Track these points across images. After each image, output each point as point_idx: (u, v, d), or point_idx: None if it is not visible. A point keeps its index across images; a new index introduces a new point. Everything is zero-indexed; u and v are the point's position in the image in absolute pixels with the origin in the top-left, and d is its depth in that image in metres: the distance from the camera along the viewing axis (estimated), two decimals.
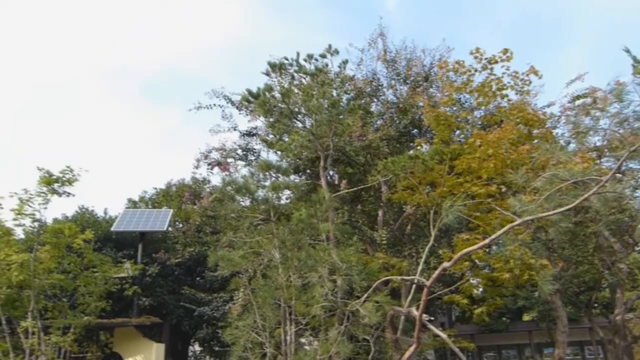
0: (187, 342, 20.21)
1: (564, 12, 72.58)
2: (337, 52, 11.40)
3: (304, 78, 11.75)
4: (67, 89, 70.58)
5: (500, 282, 10.82)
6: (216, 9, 74.11)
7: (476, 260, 11.40)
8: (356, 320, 7.32)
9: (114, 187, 61.10)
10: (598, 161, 12.45)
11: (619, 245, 14.18)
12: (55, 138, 71.57)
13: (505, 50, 11.63)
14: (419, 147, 12.38)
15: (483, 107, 12.64)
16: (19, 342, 10.53)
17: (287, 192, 11.98)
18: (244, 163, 15.11)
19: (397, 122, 13.82)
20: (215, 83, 53.21)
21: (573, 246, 14.08)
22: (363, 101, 14.05)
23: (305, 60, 11.18)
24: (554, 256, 14.27)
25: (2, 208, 11.32)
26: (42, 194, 11.14)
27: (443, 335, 7.06)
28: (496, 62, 11.69)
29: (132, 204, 20.86)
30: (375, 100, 14.81)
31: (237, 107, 14.43)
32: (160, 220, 15.57)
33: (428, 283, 6.66)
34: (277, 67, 11.06)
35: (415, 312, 7.09)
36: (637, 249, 15.56)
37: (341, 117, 10.22)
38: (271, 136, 12.84)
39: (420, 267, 8.60)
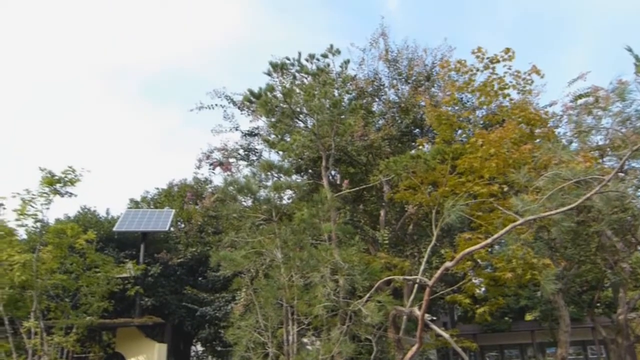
0: (190, 342, 20.23)
1: (565, 12, 72.54)
2: (338, 52, 11.40)
3: (306, 78, 11.75)
4: (67, 89, 70.76)
5: (503, 282, 10.81)
6: (216, 9, 74.23)
7: (478, 260, 11.40)
8: (358, 320, 7.32)
9: (115, 187, 61.22)
10: (600, 160, 12.43)
11: (622, 244, 14.15)
12: (56, 138, 71.74)
13: (507, 50, 11.62)
14: (420, 147, 12.38)
15: (485, 107, 12.62)
16: (21, 343, 10.53)
17: (289, 192, 11.98)
18: (245, 163, 15.15)
19: (399, 121, 13.82)
20: (215, 83, 53.41)
21: (575, 245, 14.06)
22: (365, 101, 14.05)
23: (306, 60, 11.19)
24: (557, 255, 14.24)
25: (4, 208, 11.36)
26: (45, 195, 11.14)
27: (445, 335, 7.06)
28: (498, 61, 11.67)
29: (134, 204, 20.88)
30: (377, 99, 14.82)
31: (238, 107, 14.46)
32: (162, 221, 15.58)
33: (430, 283, 6.65)
34: (278, 67, 11.06)
35: (417, 312, 7.08)
36: (639, 248, 15.52)
37: (343, 116, 10.22)
38: (273, 136, 12.85)
39: (422, 267, 8.58)
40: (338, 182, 14.14)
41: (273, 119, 11.16)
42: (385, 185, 12.98)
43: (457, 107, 12.96)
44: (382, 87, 14.67)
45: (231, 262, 7.82)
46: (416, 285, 8.91)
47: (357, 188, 12.46)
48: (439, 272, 6.54)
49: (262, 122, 14.26)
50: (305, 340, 9.19)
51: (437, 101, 12.72)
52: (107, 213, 18.84)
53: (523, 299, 25.28)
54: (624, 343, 15.65)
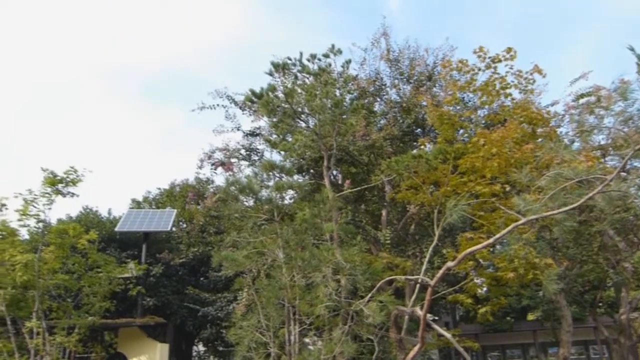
0: (191, 342, 20.24)
1: (566, 12, 72.34)
2: (340, 51, 11.40)
3: (307, 78, 11.75)
4: (67, 89, 70.69)
5: (505, 282, 10.79)
6: (216, 9, 74.11)
7: (480, 260, 11.39)
8: (360, 320, 7.31)
9: (117, 188, 61.24)
10: (602, 160, 12.42)
11: (624, 244, 14.12)
12: (56, 138, 71.75)
13: (509, 49, 11.61)
14: (422, 147, 12.38)
15: (487, 106, 12.61)
16: (23, 343, 10.55)
17: (290, 192, 11.98)
18: (247, 163, 15.16)
19: (401, 121, 13.81)
20: (216, 83, 53.44)
21: (578, 245, 14.03)
22: (366, 101, 14.05)
23: (308, 60, 11.20)
24: (559, 255, 14.22)
25: (6, 209, 11.38)
26: (47, 195, 11.16)
27: (447, 334, 7.04)
28: (500, 61, 11.66)
29: (136, 204, 20.89)
30: (378, 99, 14.82)
31: (240, 107, 14.47)
32: (164, 221, 15.61)
33: (432, 282, 6.65)
34: (280, 67, 11.08)
35: (419, 312, 7.07)
36: None
37: (344, 116, 10.22)
38: (275, 136, 12.85)
39: (424, 267, 8.57)
40: (340, 182, 14.13)
41: (275, 119, 11.16)
42: (387, 185, 12.98)
43: (458, 107, 12.95)
44: (383, 86, 14.67)
45: (233, 262, 7.83)
46: (418, 285, 8.89)
47: (359, 188, 12.45)
48: (440, 272, 6.54)
49: (263, 122, 14.28)
50: (307, 340, 9.18)
51: (438, 101, 12.71)
52: (109, 213, 18.90)
53: (525, 299, 25.20)
54: (627, 343, 15.61)
